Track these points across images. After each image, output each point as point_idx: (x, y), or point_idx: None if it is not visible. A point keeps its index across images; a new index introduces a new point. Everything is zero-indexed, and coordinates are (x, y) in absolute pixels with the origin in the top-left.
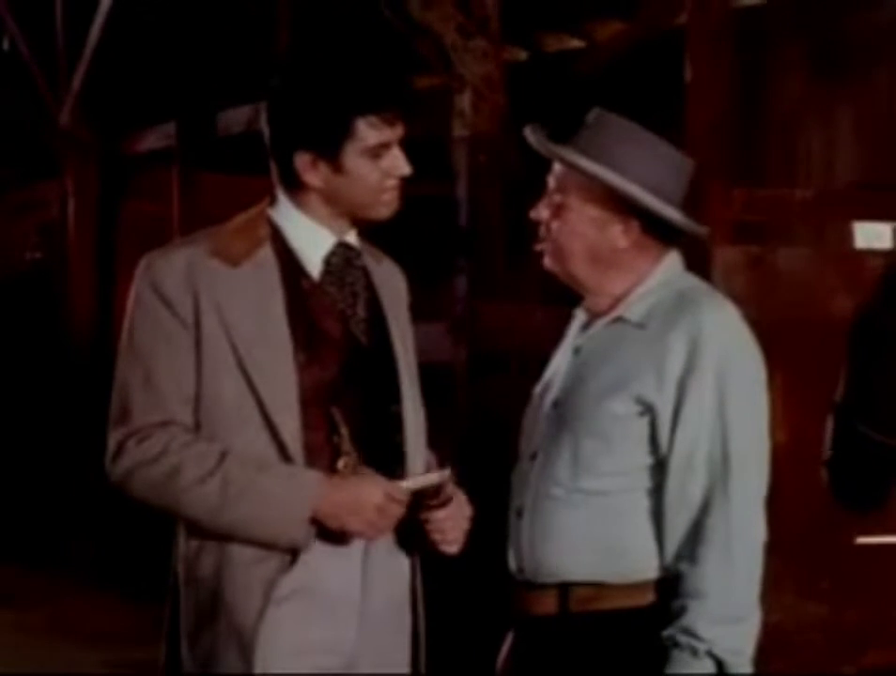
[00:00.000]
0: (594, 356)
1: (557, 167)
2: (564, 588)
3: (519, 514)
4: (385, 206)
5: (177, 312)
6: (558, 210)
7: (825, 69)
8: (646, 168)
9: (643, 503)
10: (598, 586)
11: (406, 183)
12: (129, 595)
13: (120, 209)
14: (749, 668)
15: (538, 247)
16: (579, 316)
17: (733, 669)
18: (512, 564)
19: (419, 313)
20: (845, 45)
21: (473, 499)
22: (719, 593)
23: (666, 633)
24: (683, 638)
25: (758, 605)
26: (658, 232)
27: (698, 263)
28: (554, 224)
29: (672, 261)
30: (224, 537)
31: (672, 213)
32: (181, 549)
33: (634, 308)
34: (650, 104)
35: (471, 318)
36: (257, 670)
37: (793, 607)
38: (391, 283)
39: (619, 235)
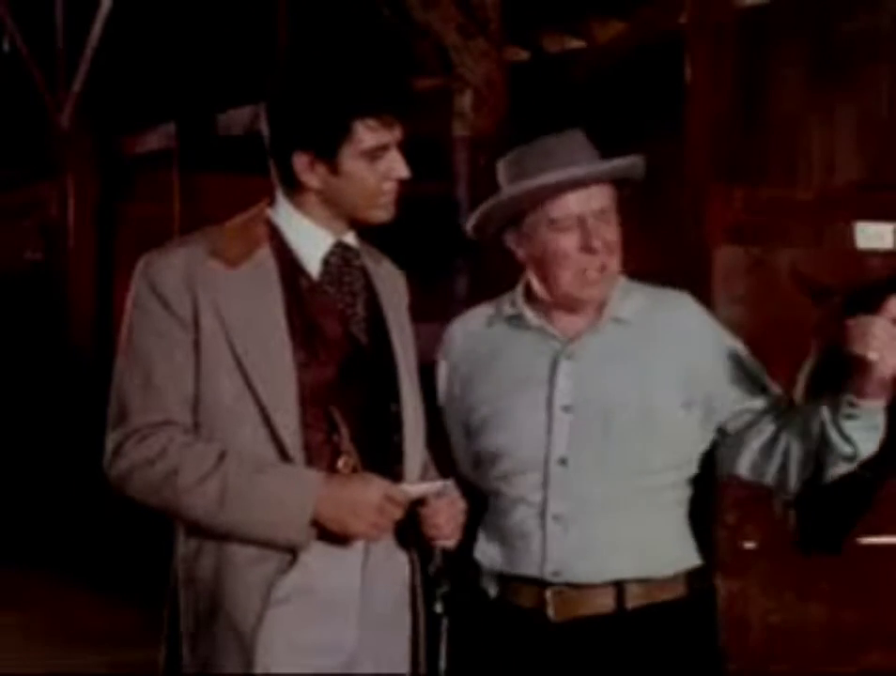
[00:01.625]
0: (606, 358)
1: (576, 195)
2: (620, 585)
3: (557, 518)
4: (383, 209)
5: (175, 311)
6: (608, 228)
7: (825, 70)
8: (592, 153)
9: (679, 496)
10: (646, 581)
11: (405, 184)
12: (129, 596)
13: (120, 210)
14: None
15: (603, 276)
16: (536, 324)
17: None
18: (543, 569)
19: (418, 313)
20: (846, 45)
21: (473, 497)
22: None
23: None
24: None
25: None
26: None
27: (698, 263)
28: (610, 238)
29: None
30: (224, 538)
31: (609, 164)
32: (180, 550)
33: (623, 309)
34: (650, 105)
35: None
36: (257, 671)
37: (793, 608)
38: (390, 283)
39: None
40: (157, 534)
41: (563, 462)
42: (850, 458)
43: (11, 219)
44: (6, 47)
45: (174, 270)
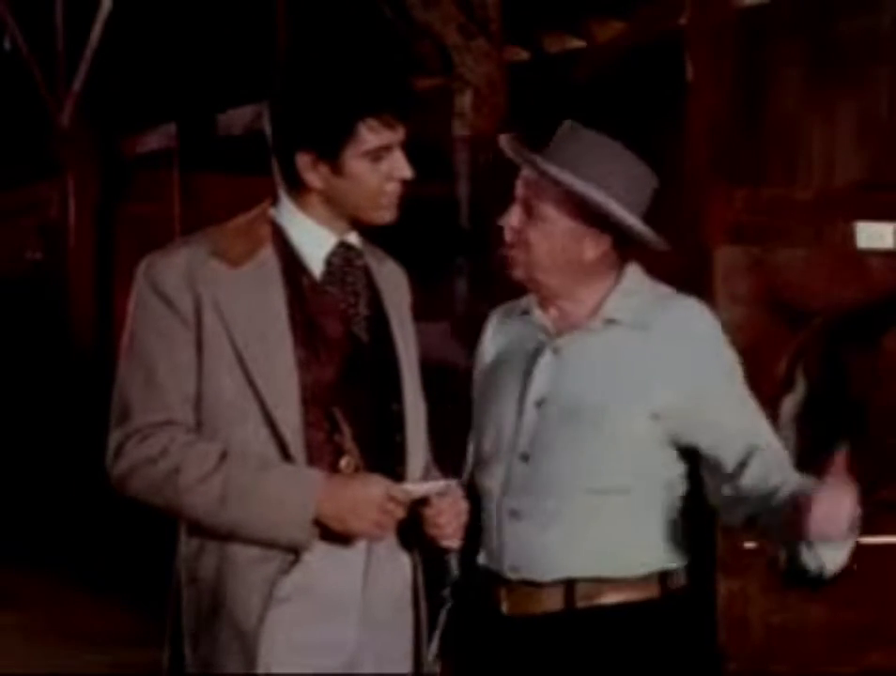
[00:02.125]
0: (589, 357)
1: (529, 175)
2: (570, 584)
3: (515, 514)
4: (385, 210)
5: (177, 311)
6: (531, 219)
7: (826, 69)
8: (622, 184)
9: (648, 498)
10: (601, 581)
11: (406, 183)
12: (130, 597)
13: (120, 210)
14: None
15: (505, 253)
16: (537, 317)
17: None
18: (502, 564)
19: (419, 313)
20: (846, 45)
21: (473, 496)
22: None
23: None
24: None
25: None
26: (625, 246)
27: (699, 263)
28: (528, 233)
29: (635, 268)
30: (225, 537)
31: (647, 231)
32: (182, 549)
33: (620, 310)
34: (651, 104)
35: (472, 318)
36: (259, 671)
37: (794, 608)
38: (392, 282)
39: (589, 247)
40: (158, 534)
41: (524, 457)
42: (818, 572)
43: (11, 218)
44: (6, 46)
45: (176, 270)
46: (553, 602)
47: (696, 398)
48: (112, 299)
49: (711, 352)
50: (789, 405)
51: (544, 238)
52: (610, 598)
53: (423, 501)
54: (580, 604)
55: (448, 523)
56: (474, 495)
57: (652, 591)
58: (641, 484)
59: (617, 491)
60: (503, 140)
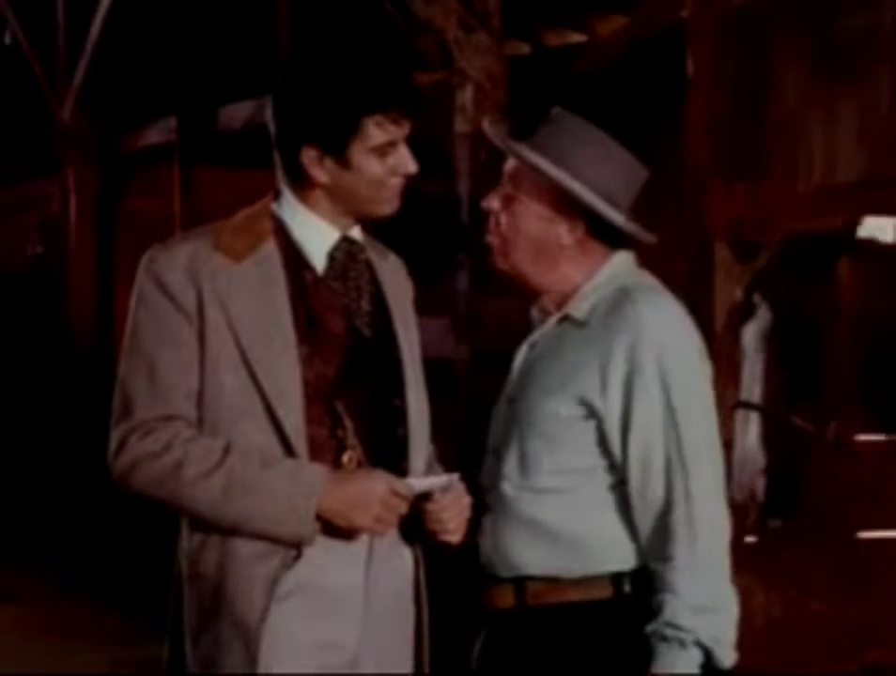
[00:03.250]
0: (544, 354)
1: (511, 162)
2: (521, 582)
3: (486, 509)
4: (388, 202)
5: (179, 305)
6: (507, 203)
7: (827, 65)
8: (599, 171)
9: (594, 499)
10: (552, 580)
11: (408, 178)
12: (129, 595)
13: (121, 205)
14: (732, 657)
15: (487, 239)
16: (535, 314)
17: (719, 658)
18: (482, 559)
19: (420, 308)
20: (848, 40)
21: (474, 494)
22: (693, 586)
23: (650, 628)
24: (669, 631)
25: (734, 595)
26: (604, 234)
27: (699, 258)
28: (503, 218)
29: (621, 260)
30: (228, 533)
31: (617, 217)
32: (184, 545)
33: (579, 306)
34: (652, 99)
35: (473, 314)
36: (261, 668)
37: (794, 604)
38: (395, 277)
39: (564, 232)
40: (157, 531)
41: (495, 453)
42: None
43: (12, 214)
44: (7, 41)
45: (178, 265)
46: (506, 598)
47: (614, 404)
48: (113, 294)
49: (635, 361)
50: (752, 331)
51: (518, 219)
52: (560, 597)
53: (425, 496)
54: (532, 602)
55: (450, 518)
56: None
57: (603, 593)
58: (584, 484)
59: (560, 490)
60: (488, 126)
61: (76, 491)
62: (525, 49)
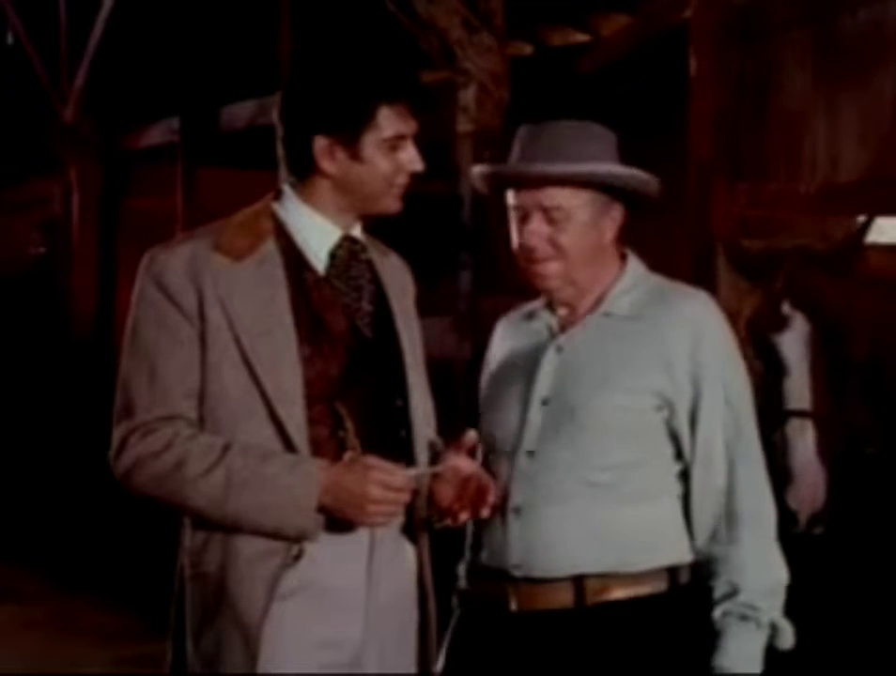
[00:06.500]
0: (585, 352)
1: (524, 193)
2: (579, 580)
3: (518, 511)
4: (394, 199)
5: (180, 305)
6: (556, 228)
7: (830, 64)
8: (601, 147)
9: (650, 493)
10: (609, 577)
11: (411, 178)
12: (132, 592)
13: (123, 205)
14: (792, 639)
15: (536, 270)
16: (544, 318)
17: (784, 639)
18: (506, 561)
19: (422, 308)
20: (851, 39)
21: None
22: (763, 568)
23: (722, 609)
24: (748, 611)
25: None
26: (637, 206)
27: (703, 257)
28: (560, 239)
29: (636, 260)
30: (230, 531)
31: (651, 180)
32: (187, 543)
33: (619, 303)
34: (655, 98)
35: (475, 314)
36: (262, 666)
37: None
38: (397, 276)
39: (608, 227)
40: (158, 529)
41: (530, 454)
42: None
43: (15, 213)
44: (9, 41)
45: (178, 265)
46: (563, 598)
47: (684, 395)
48: (114, 293)
49: (700, 354)
50: (791, 340)
51: (574, 236)
52: (619, 593)
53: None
54: (591, 599)
55: (452, 502)
56: None
57: (660, 586)
58: (638, 478)
59: (614, 485)
60: (477, 175)
61: (78, 489)
62: (528, 49)
